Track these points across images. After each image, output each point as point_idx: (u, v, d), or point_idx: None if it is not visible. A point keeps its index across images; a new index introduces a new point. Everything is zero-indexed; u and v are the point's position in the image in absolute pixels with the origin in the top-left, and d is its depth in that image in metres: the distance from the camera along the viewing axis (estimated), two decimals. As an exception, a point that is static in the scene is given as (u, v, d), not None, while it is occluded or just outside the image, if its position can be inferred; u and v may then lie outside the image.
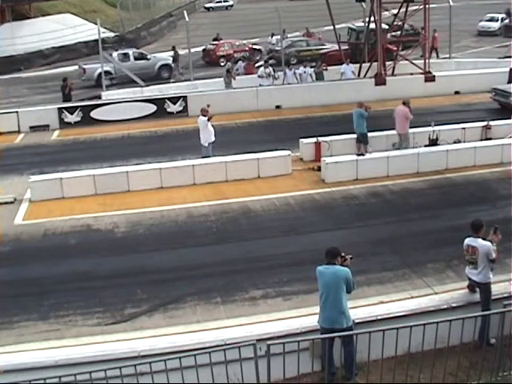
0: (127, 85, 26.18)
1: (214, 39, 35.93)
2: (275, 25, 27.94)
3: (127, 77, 26.48)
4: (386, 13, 26.03)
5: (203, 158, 16.27)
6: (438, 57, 29.97)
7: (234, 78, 24.76)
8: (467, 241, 8.80)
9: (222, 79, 25.30)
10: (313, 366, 7.79)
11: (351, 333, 7.83)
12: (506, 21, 40.32)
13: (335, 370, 7.93)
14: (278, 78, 25.22)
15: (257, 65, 28.52)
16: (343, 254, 8.05)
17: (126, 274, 10.93)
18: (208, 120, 16.23)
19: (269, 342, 7.34)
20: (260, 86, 24.06)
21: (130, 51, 31.07)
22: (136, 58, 30.37)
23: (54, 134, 21.39)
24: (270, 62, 30.79)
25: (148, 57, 30.94)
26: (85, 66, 29.09)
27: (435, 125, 17.01)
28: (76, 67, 32.50)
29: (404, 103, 16.63)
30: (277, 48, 32.69)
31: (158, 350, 7.91)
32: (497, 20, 40.51)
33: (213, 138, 16.35)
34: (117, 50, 30.93)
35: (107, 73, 27.71)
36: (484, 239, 8.67)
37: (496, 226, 8.77)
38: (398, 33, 26.51)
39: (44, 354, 8.24)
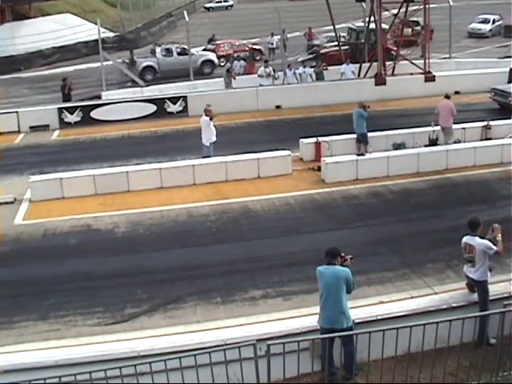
0: (170, 80, 25.95)
1: (210, 40, 35.93)
2: (275, 25, 27.95)
3: (171, 72, 26.45)
4: (386, 13, 26.03)
5: (204, 157, 16.27)
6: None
7: (234, 78, 24.77)
8: (465, 239, 8.82)
9: (222, 79, 25.31)
10: (313, 366, 7.80)
11: (351, 333, 7.84)
12: (500, 22, 39.91)
13: (335, 370, 7.93)
14: (278, 77, 25.23)
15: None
16: (343, 254, 8.06)
17: (125, 274, 10.93)
18: (210, 120, 16.21)
19: (269, 342, 7.34)
20: (260, 85, 24.07)
21: (173, 46, 31.28)
22: (179, 54, 30.63)
23: (54, 134, 21.37)
24: (310, 56, 30.88)
25: (191, 52, 31.19)
26: (127, 60, 29.61)
27: (435, 125, 17.03)
28: (75, 67, 32.66)
29: (448, 97, 16.73)
30: (317, 43, 32.80)
31: (157, 350, 7.91)
32: (488, 22, 39.51)
33: (214, 138, 16.34)
34: (160, 46, 31.29)
35: (150, 68, 28.41)
36: (482, 238, 8.68)
37: (494, 224, 8.77)
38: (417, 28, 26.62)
39: (44, 354, 8.24)
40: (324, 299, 7.91)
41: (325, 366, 7.89)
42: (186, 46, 30.57)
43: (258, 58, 33.15)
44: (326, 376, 7.86)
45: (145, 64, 29.36)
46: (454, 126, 17.39)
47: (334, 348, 7.73)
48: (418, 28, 30.92)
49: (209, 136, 16.26)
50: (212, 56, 31.66)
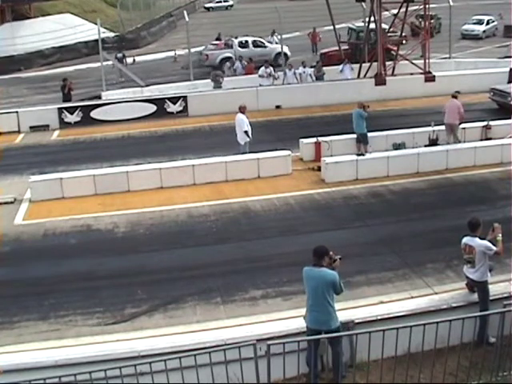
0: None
1: (217, 39, 36.14)
2: (275, 25, 28.00)
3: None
4: (386, 13, 26.04)
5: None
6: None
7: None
8: (464, 240, 8.81)
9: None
10: (313, 365, 7.79)
11: (351, 333, 7.85)
12: (495, 23, 39.72)
13: (319, 372, 7.94)
14: (278, 77, 25.23)
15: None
16: (331, 253, 7.89)
17: (126, 274, 10.92)
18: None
19: (269, 342, 7.33)
20: (260, 85, 24.07)
21: (249, 39, 32.36)
22: (254, 46, 32.01)
23: (54, 134, 21.37)
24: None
25: (265, 45, 32.70)
26: (208, 53, 31.36)
27: (435, 125, 17.03)
28: (75, 67, 32.73)
29: (455, 96, 16.80)
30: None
31: (158, 350, 7.90)
32: (482, 23, 39.00)
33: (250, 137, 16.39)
34: (236, 38, 32.46)
35: (228, 59, 29.95)
36: (483, 238, 8.67)
37: (494, 223, 8.76)
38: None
39: (44, 353, 8.24)
40: (311, 302, 7.83)
41: (311, 368, 7.79)
42: (261, 39, 32.75)
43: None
44: (311, 378, 7.82)
45: (223, 56, 30.63)
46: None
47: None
48: (433, 21, 33.33)
49: (244, 135, 16.27)
50: (285, 49, 32.36)
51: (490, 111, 20.79)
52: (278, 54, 31.70)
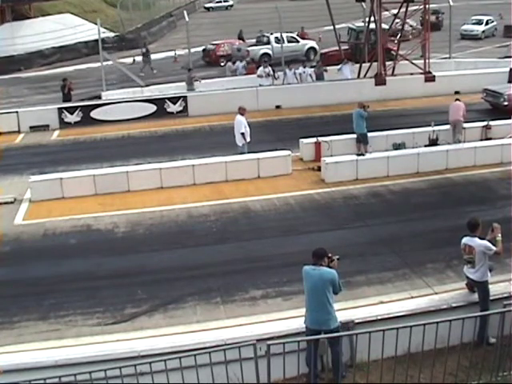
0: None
1: (239, 38, 36.66)
2: (275, 25, 27.98)
3: (284, 58, 27.20)
4: (386, 13, 26.03)
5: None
6: None
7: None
8: (464, 240, 8.82)
9: (221, 79, 25.29)
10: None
11: (351, 333, 7.85)
12: (494, 23, 39.73)
13: (319, 372, 7.94)
14: (278, 77, 25.23)
15: None
16: (330, 255, 7.98)
17: (126, 274, 10.93)
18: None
19: (269, 342, 7.33)
20: (260, 85, 24.06)
21: (284, 35, 32.75)
22: (289, 41, 33.01)
23: (54, 134, 21.38)
24: None
25: (298, 40, 34.26)
26: (248, 48, 32.81)
27: (435, 125, 17.03)
28: (75, 67, 32.81)
29: (458, 100, 17.24)
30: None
31: (158, 350, 7.90)
32: (481, 23, 38.96)
33: (248, 139, 16.35)
34: (272, 34, 33.22)
35: (267, 55, 31.91)
36: (482, 238, 8.67)
37: (494, 223, 8.77)
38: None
39: (44, 353, 8.24)
40: (310, 301, 7.86)
41: (311, 368, 7.80)
42: (294, 35, 34.31)
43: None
44: (311, 378, 7.83)
45: (262, 51, 32.56)
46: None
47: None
48: (440, 15, 36.54)
49: (241, 136, 16.28)
50: (314, 44, 35.04)
51: (489, 111, 20.78)
52: (309, 48, 33.89)
